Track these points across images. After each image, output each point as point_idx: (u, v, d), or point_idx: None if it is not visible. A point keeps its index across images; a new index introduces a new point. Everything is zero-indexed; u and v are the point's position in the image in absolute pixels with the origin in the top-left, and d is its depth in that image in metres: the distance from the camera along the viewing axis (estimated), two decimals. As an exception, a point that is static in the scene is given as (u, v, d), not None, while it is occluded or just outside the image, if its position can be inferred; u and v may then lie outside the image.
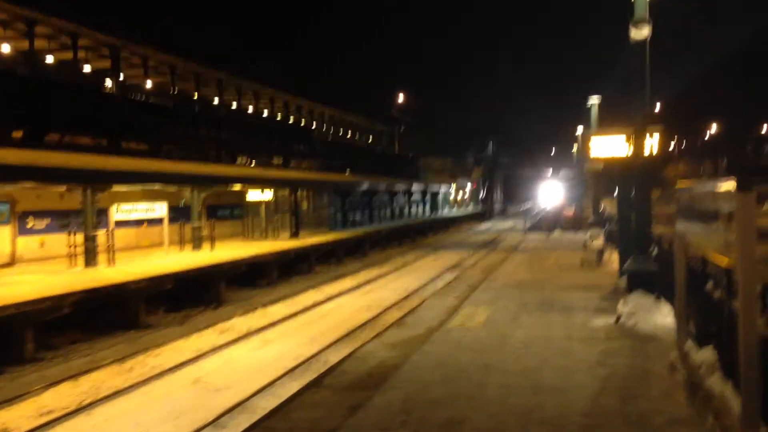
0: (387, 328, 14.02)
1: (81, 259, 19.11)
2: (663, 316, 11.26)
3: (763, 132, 76.87)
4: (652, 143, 13.28)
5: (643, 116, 11.46)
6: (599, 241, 24.12)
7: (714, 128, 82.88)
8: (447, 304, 15.90)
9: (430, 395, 8.23)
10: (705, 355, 7.27)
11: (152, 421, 9.97)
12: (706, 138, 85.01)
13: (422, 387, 8.59)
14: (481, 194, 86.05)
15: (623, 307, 11.65)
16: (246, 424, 9.01)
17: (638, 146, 11.50)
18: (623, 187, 16.15)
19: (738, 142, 72.93)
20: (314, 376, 10.94)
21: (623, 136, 14.96)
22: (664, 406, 7.46)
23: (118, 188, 20.95)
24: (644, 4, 10.92)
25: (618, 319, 11.68)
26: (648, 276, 11.82)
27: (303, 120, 45.14)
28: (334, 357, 12.85)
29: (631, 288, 11.94)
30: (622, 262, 16.55)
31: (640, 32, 10.75)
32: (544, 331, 11.63)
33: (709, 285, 7.15)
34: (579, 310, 13.50)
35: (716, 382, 6.60)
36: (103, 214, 21.34)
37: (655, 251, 12.98)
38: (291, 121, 43.66)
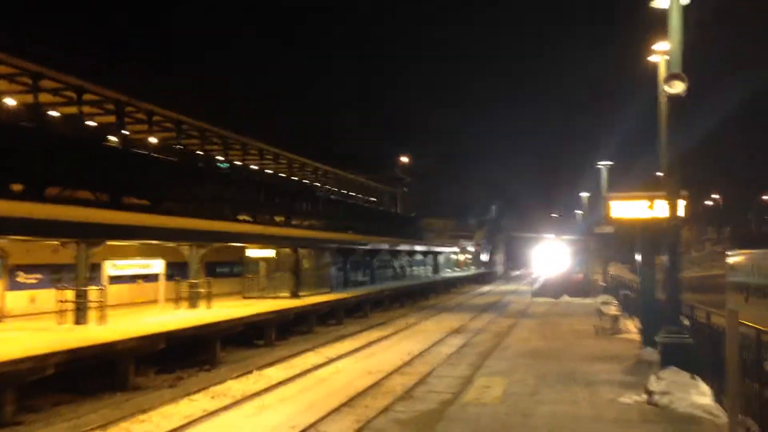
0: (397, 400, 12.97)
1: (71, 316, 18.16)
2: (700, 396, 10.26)
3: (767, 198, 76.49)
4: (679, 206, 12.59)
5: (674, 177, 10.73)
6: (613, 308, 23.12)
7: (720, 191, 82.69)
8: (458, 373, 14.87)
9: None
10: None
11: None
12: (710, 202, 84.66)
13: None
14: (483, 256, 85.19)
15: (656, 383, 10.63)
16: None
17: (673, 208, 10.74)
18: (646, 252, 15.32)
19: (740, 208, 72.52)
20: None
21: (646, 201, 14.32)
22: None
23: (113, 243, 20.12)
24: (678, 59, 10.36)
25: (650, 396, 10.67)
26: (683, 350, 10.84)
27: (307, 179, 44.81)
28: (333, 428, 11.96)
29: (665, 362, 10.92)
30: (645, 331, 15.59)
31: (673, 89, 10.15)
32: (570, 409, 10.59)
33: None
34: (604, 384, 12.47)
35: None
36: (97, 269, 20.48)
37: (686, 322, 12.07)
38: (295, 180, 43.27)
